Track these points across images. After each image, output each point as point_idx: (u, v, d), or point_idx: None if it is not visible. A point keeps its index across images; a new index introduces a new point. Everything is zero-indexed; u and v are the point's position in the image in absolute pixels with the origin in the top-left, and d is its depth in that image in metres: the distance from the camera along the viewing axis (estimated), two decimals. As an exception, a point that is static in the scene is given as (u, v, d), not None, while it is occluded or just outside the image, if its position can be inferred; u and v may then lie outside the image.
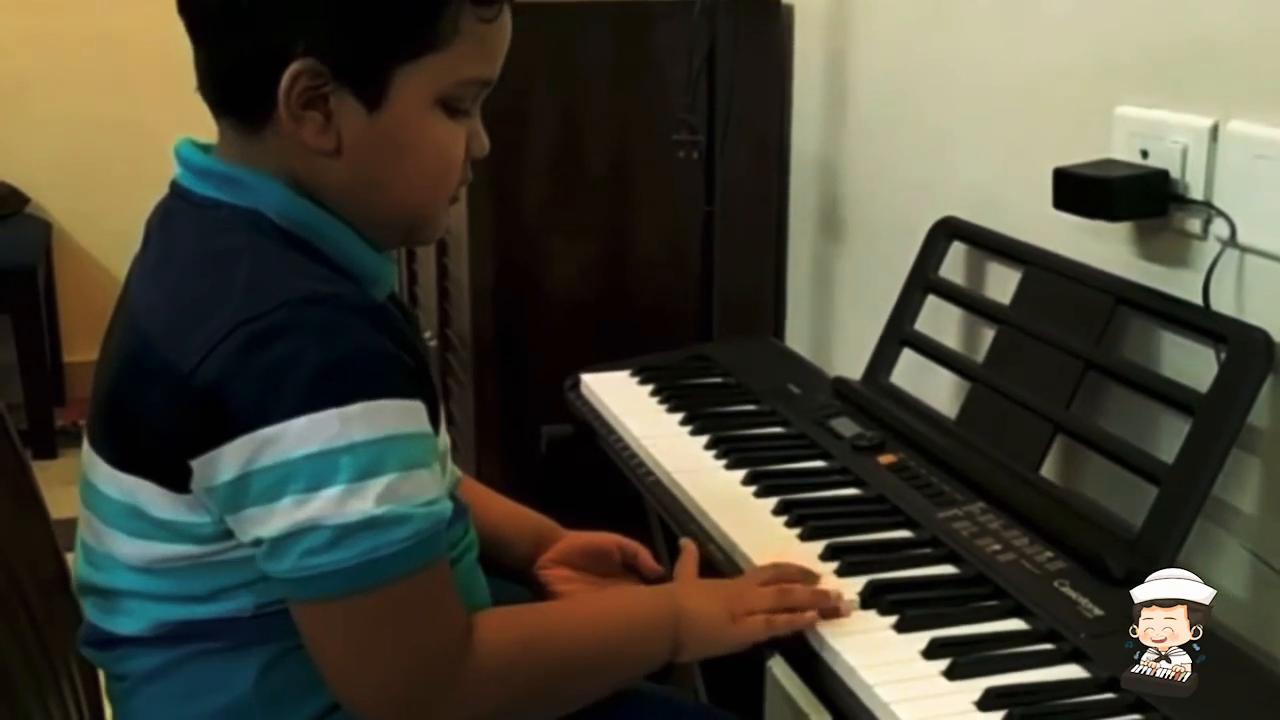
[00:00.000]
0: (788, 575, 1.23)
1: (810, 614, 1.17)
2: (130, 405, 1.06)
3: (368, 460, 1.00)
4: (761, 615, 1.17)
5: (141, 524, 1.08)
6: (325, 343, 1.00)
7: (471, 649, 1.07)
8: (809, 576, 1.24)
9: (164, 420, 1.02)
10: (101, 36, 3.56)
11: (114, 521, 1.10)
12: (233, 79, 1.07)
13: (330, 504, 0.99)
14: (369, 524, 1.00)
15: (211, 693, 1.10)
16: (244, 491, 1.00)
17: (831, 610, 1.19)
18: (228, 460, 1.00)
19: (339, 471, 0.99)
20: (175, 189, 1.13)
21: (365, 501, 1.00)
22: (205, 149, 1.13)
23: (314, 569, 1.00)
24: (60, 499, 1.34)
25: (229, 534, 1.05)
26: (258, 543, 1.02)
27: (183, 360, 1.00)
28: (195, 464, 1.02)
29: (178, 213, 1.12)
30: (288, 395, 0.98)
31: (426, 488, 1.03)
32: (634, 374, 1.82)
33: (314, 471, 0.99)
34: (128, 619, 1.12)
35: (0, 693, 1.17)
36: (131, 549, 1.09)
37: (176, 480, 1.04)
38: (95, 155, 3.62)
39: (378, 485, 1.00)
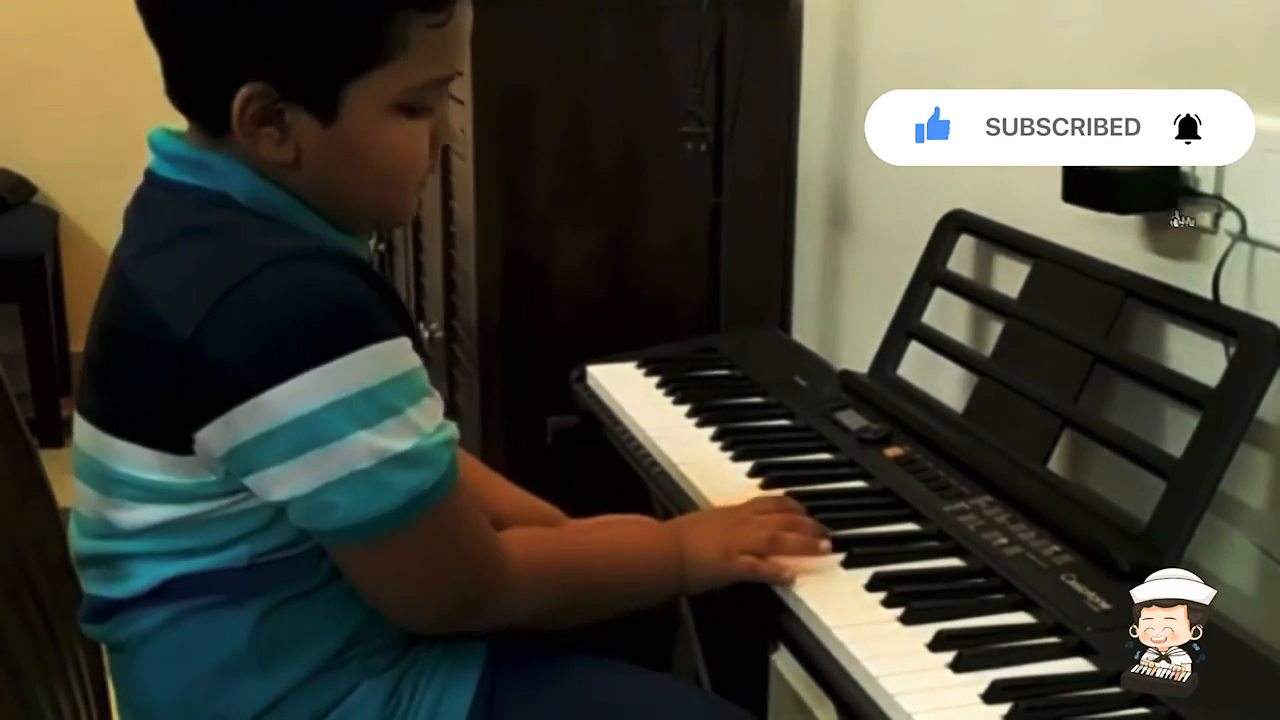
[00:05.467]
0: (800, 523, 1.30)
1: (789, 575, 1.23)
2: (129, 378, 1.09)
3: (382, 401, 1.04)
4: (749, 558, 1.25)
5: (139, 490, 1.10)
6: (314, 297, 1.04)
7: (509, 560, 1.16)
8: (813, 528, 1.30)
9: (165, 392, 1.05)
10: (109, 26, 3.55)
11: (110, 490, 1.13)
12: (190, 89, 1.11)
13: (360, 450, 1.03)
14: (401, 460, 1.05)
15: (208, 648, 1.13)
16: (264, 452, 1.03)
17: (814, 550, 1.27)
18: (239, 425, 1.03)
19: (359, 417, 1.03)
20: (149, 176, 1.16)
21: (392, 440, 1.04)
22: (178, 135, 1.15)
23: (363, 515, 1.05)
24: (67, 486, 1.34)
25: (231, 491, 1.08)
26: (285, 503, 1.06)
27: (179, 333, 1.03)
28: (201, 435, 1.05)
29: (150, 199, 1.15)
30: (289, 354, 1.02)
31: (435, 413, 1.09)
32: (640, 366, 1.82)
33: (333, 422, 1.02)
34: (127, 581, 1.15)
35: (7, 677, 1.18)
36: (128, 515, 1.12)
37: (177, 445, 1.07)
38: (103, 145, 3.62)
39: (397, 422, 1.05)
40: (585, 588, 1.24)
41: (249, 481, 1.06)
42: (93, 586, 1.19)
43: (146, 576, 1.13)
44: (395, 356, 1.06)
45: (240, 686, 1.13)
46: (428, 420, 1.08)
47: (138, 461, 1.09)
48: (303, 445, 1.03)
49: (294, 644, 1.13)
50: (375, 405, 1.04)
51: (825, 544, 1.27)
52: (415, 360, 1.10)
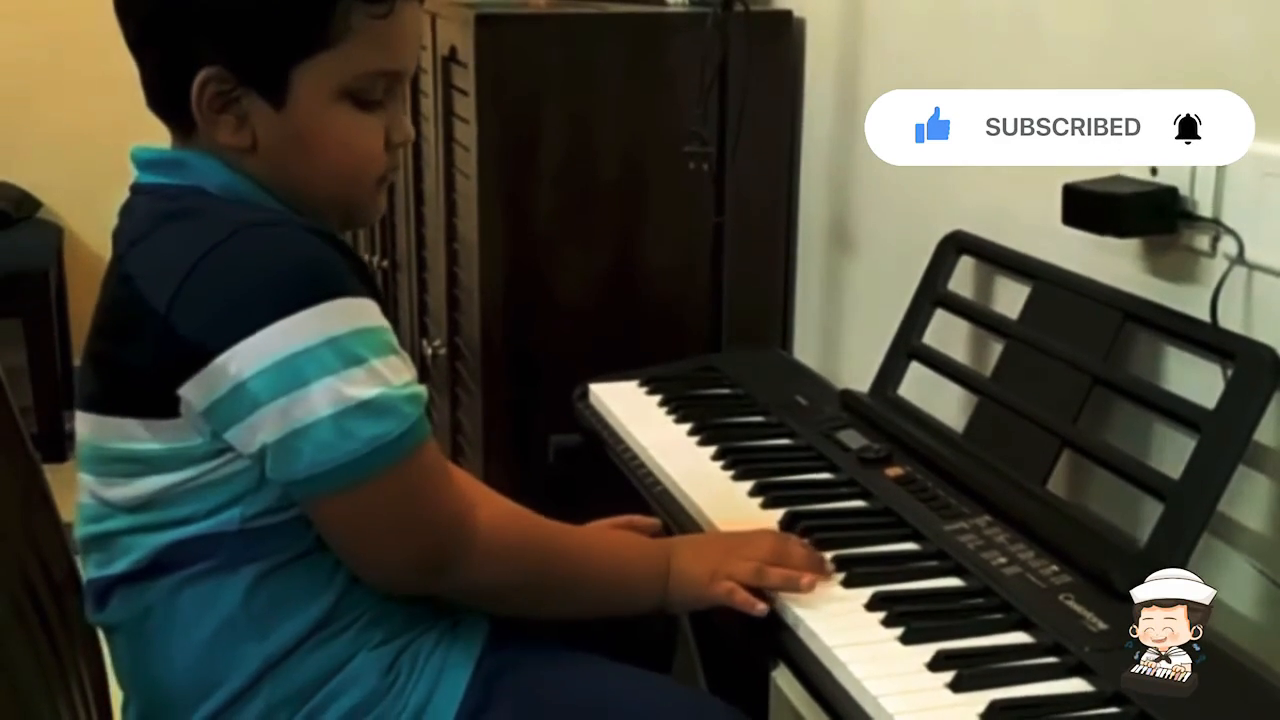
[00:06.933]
0: (789, 553, 1.28)
1: (761, 609, 1.24)
2: (120, 353, 1.15)
3: (347, 350, 1.09)
4: (729, 584, 1.25)
5: (132, 464, 1.15)
6: (281, 255, 1.10)
7: (478, 524, 1.18)
8: (816, 563, 1.28)
9: (152, 356, 1.11)
10: (112, 41, 3.56)
11: (105, 469, 1.18)
12: (157, 88, 1.18)
13: (324, 396, 1.08)
14: (365, 408, 1.09)
15: (206, 615, 1.16)
16: (238, 403, 1.08)
17: (794, 585, 1.25)
18: (215, 379, 1.08)
19: (323, 364, 1.07)
20: (132, 188, 1.22)
21: (356, 388, 1.09)
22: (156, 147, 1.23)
23: (329, 462, 1.09)
24: (71, 502, 1.34)
25: (219, 451, 1.12)
26: (262, 453, 1.10)
27: (160, 297, 1.09)
28: (183, 392, 1.10)
29: (133, 204, 1.22)
30: (258, 309, 1.07)
31: (402, 371, 1.13)
32: (642, 384, 1.82)
33: (300, 368, 1.07)
34: (124, 556, 1.19)
35: (10, 694, 1.18)
36: (123, 490, 1.17)
37: (164, 409, 1.11)
38: (107, 160, 3.59)
39: (362, 371, 1.09)
40: (554, 571, 1.26)
41: (230, 436, 1.11)
42: (92, 570, 1.23)
43: (142, 548, 1.17)
44: (360, 311, 1.11)
45: (236, 650, 1.16)
46: (393, 374, 1.12)
47: (129, 434, 1.14)
48: (271, 393, 1.07)
49: (285, 608, 1.17)
50: (340, 353, 1.08)
51: (806, 580, 1.25)
52: (382, 320, 1.14)
